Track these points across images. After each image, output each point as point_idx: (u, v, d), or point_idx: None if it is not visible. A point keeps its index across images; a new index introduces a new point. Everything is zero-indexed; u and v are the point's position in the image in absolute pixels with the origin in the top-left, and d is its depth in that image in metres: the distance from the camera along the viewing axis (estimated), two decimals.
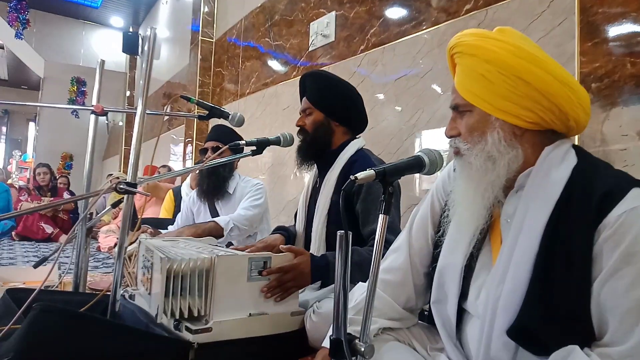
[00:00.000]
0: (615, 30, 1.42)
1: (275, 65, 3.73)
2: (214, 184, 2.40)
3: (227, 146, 1.70)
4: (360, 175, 0.83)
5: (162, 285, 1.28)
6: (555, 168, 0.85)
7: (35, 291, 1.34)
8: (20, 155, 12.76)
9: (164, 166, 5.22)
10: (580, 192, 0.81)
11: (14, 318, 1.32)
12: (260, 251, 1.53)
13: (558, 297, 0.78)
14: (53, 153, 10.20)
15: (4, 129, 15.02)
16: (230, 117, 1.68)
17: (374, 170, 0.85)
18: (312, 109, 1.66)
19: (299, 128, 1.70)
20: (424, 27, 2.25)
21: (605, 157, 1.42)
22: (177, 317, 1.31)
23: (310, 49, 3.18)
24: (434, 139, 2.18)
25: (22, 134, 14.72)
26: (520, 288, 0.82)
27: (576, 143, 1.46)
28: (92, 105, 1.78)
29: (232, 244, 2.45)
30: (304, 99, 1.70)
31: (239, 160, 2.50)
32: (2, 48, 10.51)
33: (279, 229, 1.83)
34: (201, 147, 2.54)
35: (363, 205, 1.53)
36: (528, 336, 0.81)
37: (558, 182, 0.83)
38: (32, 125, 13.35)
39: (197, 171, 2.67)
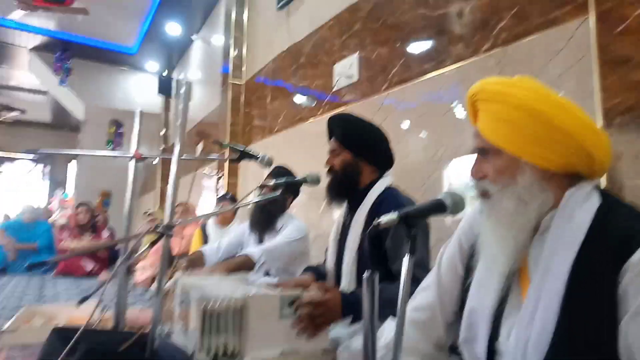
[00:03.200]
0: (633, 66, 1.44)
1: (302, 103, 3.86)
2: (265, 219, 2.53)
3: (260, 185, 1.79)
4: (383, 219, 0.87)
5: (199, 323, 1.34)
6: (579, 210, 0.87)
7: (79, 332, 1.42)
8: (62, 194, 13.34)
9: (179, 205, 5.07)
10: (604, 233, 0.83)
11: (59, 357, 1.40)
12: (292, 288, 1.57)
13: (585, 339, 0.79)
14: (92, 190, 10.62)
15: (47, 168, 15.78)
16: (259, 159, 1.77)
17: (397, 214, 0.89)
18: (340, 149, 1.73)
19: (328, 168, 1.77)
20: (446, 64, 2.32)
21: (633, 192, 1.42)
22: (213, 355, 1.35)
23: (334, 89, 3.29)
24: (459, 173, 2.20)
25: (62, 173, 15.43)
26: (548, 329, 0.83)
27: (604, 179, 1.47)
28: (131, 152, 1.90)
29: (269, 274, 2.51)
30: (332, 139, 1.78)
31: (292, 200, 2.64)
32: (46, 94, 11.22)
33: (309, 269, 1.88)
34: (261, 184, 2.68)
35: (392, 242, 1.56)
36: None
37: (582, 224, 0.85)
38: (72, 164, 13.99)
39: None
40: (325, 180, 1.79)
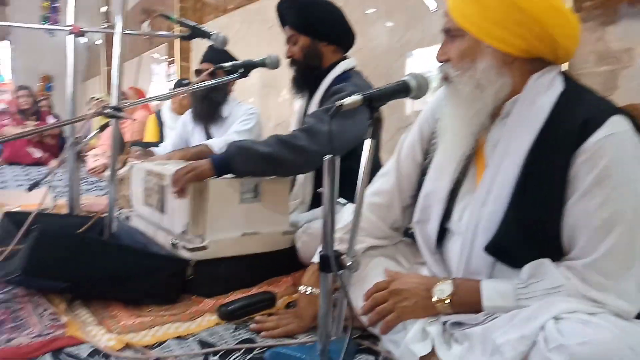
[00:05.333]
0: None
1: None
2: (208, 108, 2.39)
3: (213, 68, 1.67)
4: (346, 101, 0.84)
5: (190, 205, 1.36)
6: (542, 95, 0.87)
7: (33, 214, 1.38)
8: None
9: (130, 89, 4.63)
10: (563, 119, 0.84)
11: (14, 239, 1.38)
12: None
13: (534, 217, 0.84)
14: (32, 74, 9.81)
15: None
16: (213, 37, 1.63)
17: (361, 95, 0.85)
18: (296, 35, 1.61)
19: (290, 59, 1.65)
20: None
21: (593, 79, 1.42)
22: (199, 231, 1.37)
23: None
24: (426, 59, 2.13)
25: None
26: (500, 209, 0.87)
27: (566, 65, 1.46)
28: (70, 26, 1.70)
29: None
30: (286, 27, 1.64)
31: (233, 84, 2.45)
32: None
33: None
34: (196, 69, 2.48)
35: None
36: (504, 252, 0.88)
37: (543, 109, 0.86)
38: (5, 44, 12.66)
39: (190, 94, 2.62)
40: (286, 69, 1.68)
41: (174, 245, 1.38)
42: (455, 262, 0.97)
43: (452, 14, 0.90)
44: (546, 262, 0.83)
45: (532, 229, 0.84)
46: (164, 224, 1.51)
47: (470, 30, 0.88)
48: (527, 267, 0.84)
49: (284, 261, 1.49)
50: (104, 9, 8.59)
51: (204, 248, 1.36)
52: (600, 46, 1.42)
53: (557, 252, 0.84)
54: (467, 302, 0.88)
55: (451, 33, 0.92)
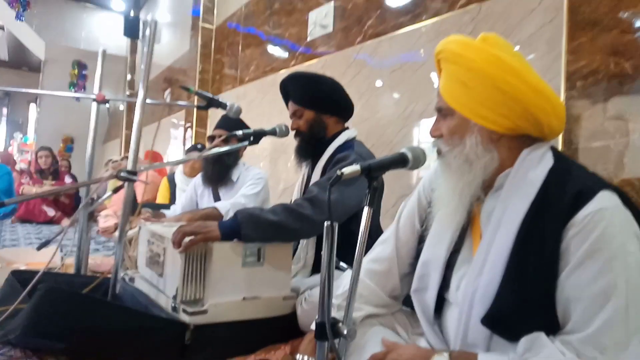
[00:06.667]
0: (601, 31, 1.45)
1: (275, 53, 3.75)
2: (218, 172, 2.47)
3: (227, 135, 1.77)
4: (346, 170, 0.88)
5: (181, 269, 1.36)
6: (533, 169, 0.91)
7: (40, 273, 1.41)
8: (22, 138, 12.79)
9: (147, 152, 4.81)
10: (554, 192, 0.87)
11: (19, 298, 1.40)
12: None
13: (528, 289, 0.84)
14: (54, 135, 10.25)
15: (4, 110, 15.00)
16: (228, 107, 1.73)
17: (360, 165, 0.90)
18: (301, 110, 1.72)
19: (295, 131, 1.75)
20: (422, 19, 2.28)
21: (587, 154, 1.47)
22: (192, 299, 1.38)
23: (308, 39, 3.21)
24: (428, 130, 2.21)
25: (22, 115, 14.71)
26: (495, 280, 0.88)
27: (560, 140, 1.52)
28: (94, 94, 1.83)
29: None
30: (290, 103, 1.76)
31: (244, 150, 2.55)
32: (3, 29, 10.48)
33: None
34: (209, 135, 2.60)
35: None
36: (500, 324, 0.87)
37: (534, 183, 0.89)
38: (33, 106, 13.32)
39: (202, 158, 2.71)
40: (292, 141, 1.77)
41: (174, 308, 1.38)
42: (452, 334, 0.96)
43: (442, 95, 0.98)
44: (541, 336, 0.82)
45: (526, 302, 0.84)
46: (161, 287, 1.53)
47: (459, 110, 0.95)
48: (523, 341, 0.83)
49: (283, 328, 1.46)
50: (128, 77, 9.11)
51: (203, 312, 1.35)
52: (594, 122, 1.47)
53: (553, 325, 0.83)
54: None
55: (442, 112, 0.99)
